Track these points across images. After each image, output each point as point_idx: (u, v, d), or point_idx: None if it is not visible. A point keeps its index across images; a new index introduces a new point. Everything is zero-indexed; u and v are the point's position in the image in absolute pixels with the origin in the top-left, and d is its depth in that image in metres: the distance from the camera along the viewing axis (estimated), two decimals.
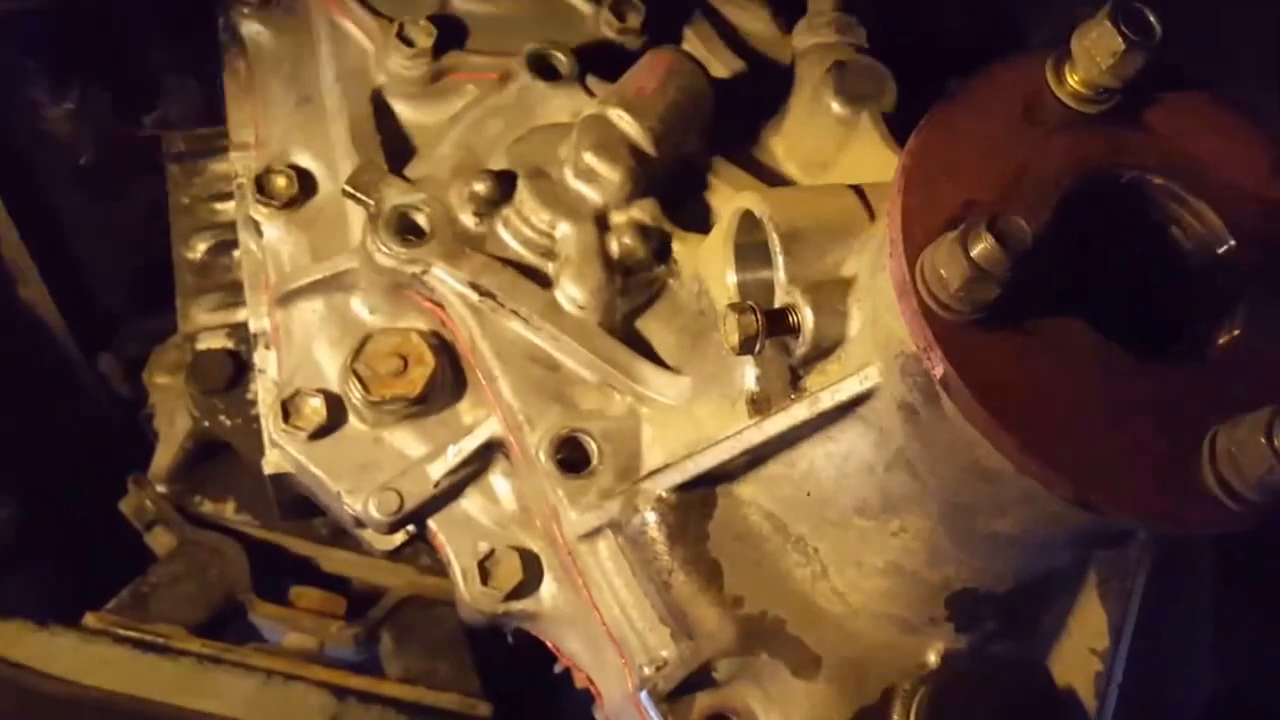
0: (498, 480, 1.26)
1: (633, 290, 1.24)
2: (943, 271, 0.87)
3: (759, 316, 1.04)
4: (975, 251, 0.85)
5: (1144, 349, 0.94)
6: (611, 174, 1.22)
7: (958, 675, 1.11)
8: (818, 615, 1.13)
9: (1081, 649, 1.15)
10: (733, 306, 1.05)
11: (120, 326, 1.89)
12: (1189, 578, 1.23)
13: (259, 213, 1.32)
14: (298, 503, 1.38)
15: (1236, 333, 0.96)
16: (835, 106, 1.34)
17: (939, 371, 0.90)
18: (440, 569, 1.59)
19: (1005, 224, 0.84)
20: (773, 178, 1.38)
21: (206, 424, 1.58)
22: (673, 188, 1.28)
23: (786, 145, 1.42)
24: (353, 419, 1.25)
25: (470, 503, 1.25)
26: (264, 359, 1.33)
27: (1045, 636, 1.16)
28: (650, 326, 1.26)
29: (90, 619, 1.51)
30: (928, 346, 0.90)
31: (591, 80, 1.39)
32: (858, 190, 1.10)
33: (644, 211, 1.24)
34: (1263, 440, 0.84)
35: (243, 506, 1.68)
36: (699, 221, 1.27)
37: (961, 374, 0.89)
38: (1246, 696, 1.30)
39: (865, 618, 1.13)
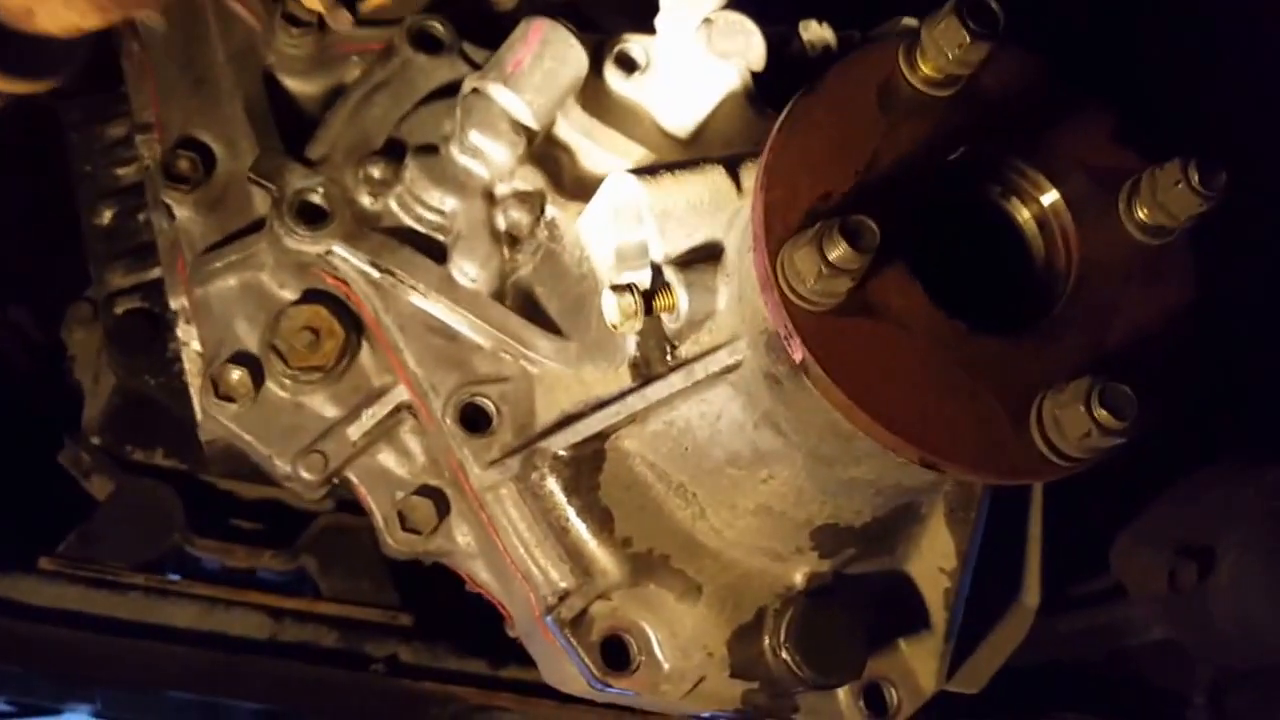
0: (408, 436, 1.26)
1: (521, 258, 1.23)
2: (800, 267, 0.88)
3: (637, 297, 1.03)
4: (829, 253, 0.85)
5: (988, 321, 0.96)
6: (495, 150, 1.20)
7: (822, 593, 1.15)
8: (698, 549, 1.16)
9: (932, 568, 1.20)
10: (613, 288, 1.04)
11: (30, 279, 1.81)
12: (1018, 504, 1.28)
13: (170, 197, 1.28)
14: (229, 458, 1.37)
15: (1066, 302, 0.98)
16: (703, 64, 1.29)
17: (798, 356, 0.91)
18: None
19: (856, 226, 0.85)
20: (650, 139, 1.35)
21: (130, 383, 1.53)
22: (553, 154, 1.25)
23: (660, 106, 1.39)
24: (274, 388, 1.24)
25: (386, 457, 1.26)
26: (187, 333, 1.32)
27: (900, 558, 1.20)
28: (537, 290, 1.25)
29: (44, 562, 1.49)
30: (788, 334, 0.91)
31: (470, 48, 1.34)
32: (726, 164, 1.10)
33: (527, 181, 1.22)
34: (1082, 408, 0.87)
35: (171, 452, 1.65)
36: (581, 187, 1.25)
37: (818, 358, 0.91)
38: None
39: (740, 550, 1.17)
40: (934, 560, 1.19)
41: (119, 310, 1.53)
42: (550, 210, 1.23)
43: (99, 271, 1.55)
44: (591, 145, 1.25)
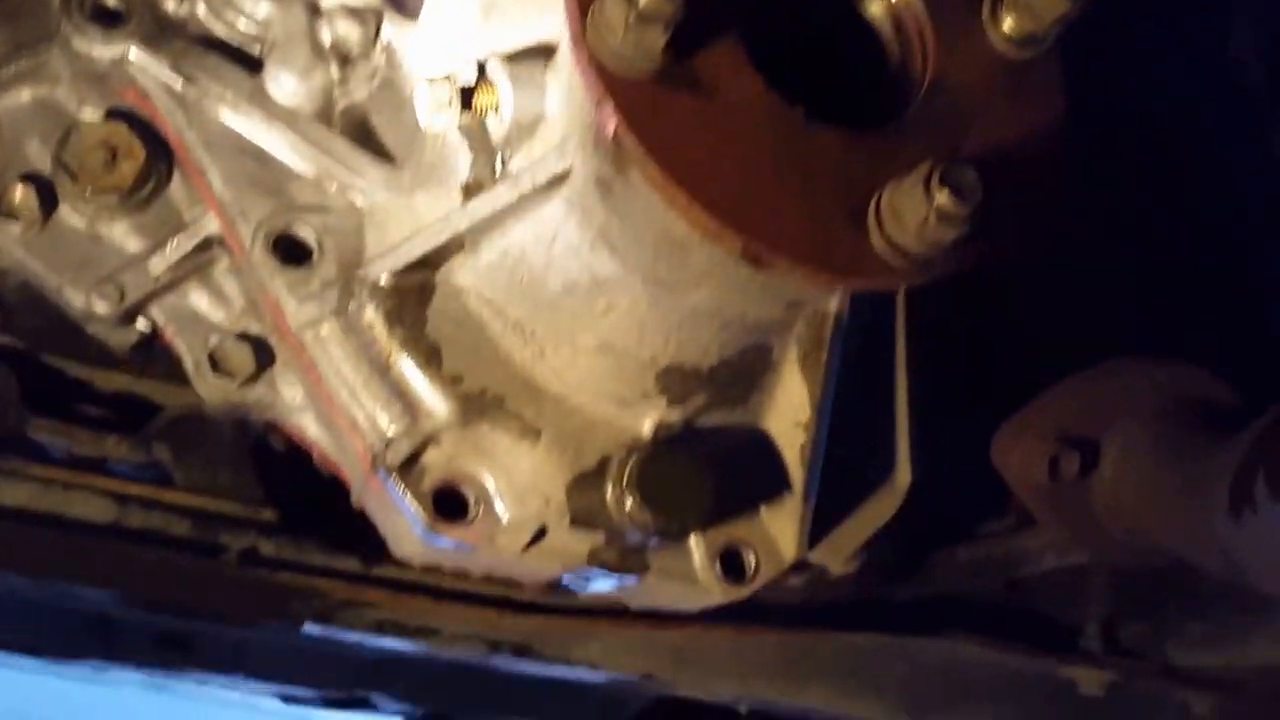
0: (224, 277, 1.14)
1: (352, 80, 1.10)
2: (609, 16, 0.77)
3: (453, 90, 0.92)
4: None
5: (834, 115, 0.86)
6: None
7: (669, 444, 1.05)
8: (538, 392, 1.06)
9: (787, 421, 1.11)
10: (427, 81, 0.93)
11: None
12: (885, 356, 1.18)
13: None
14: (34, 305, 1.24)
15: (918, 107, 0.89)
16: None
17: (610, 127, 0.80)
18: None
19: None
20: None
21: None
22: None
23: None
24: (69, 214, 1.11)
25: (198, 299, 1.13)
26: None
27: (754, 410, 1.10)
28: (374, 120, 1.13)
29: None
30: (600, 100, 0.80)
31: None
32: None
33: None
34: (920, 189, 0.77)
35: (4, 328, 1.51)
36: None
37: (634, 129, 0.80)
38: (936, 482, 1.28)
39: (583, 395, 1.06)
40: (789, 412, 1.09)
41: None
42: (388, 30, 1.11)
43: None
44: None
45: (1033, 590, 1.87)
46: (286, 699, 3.05)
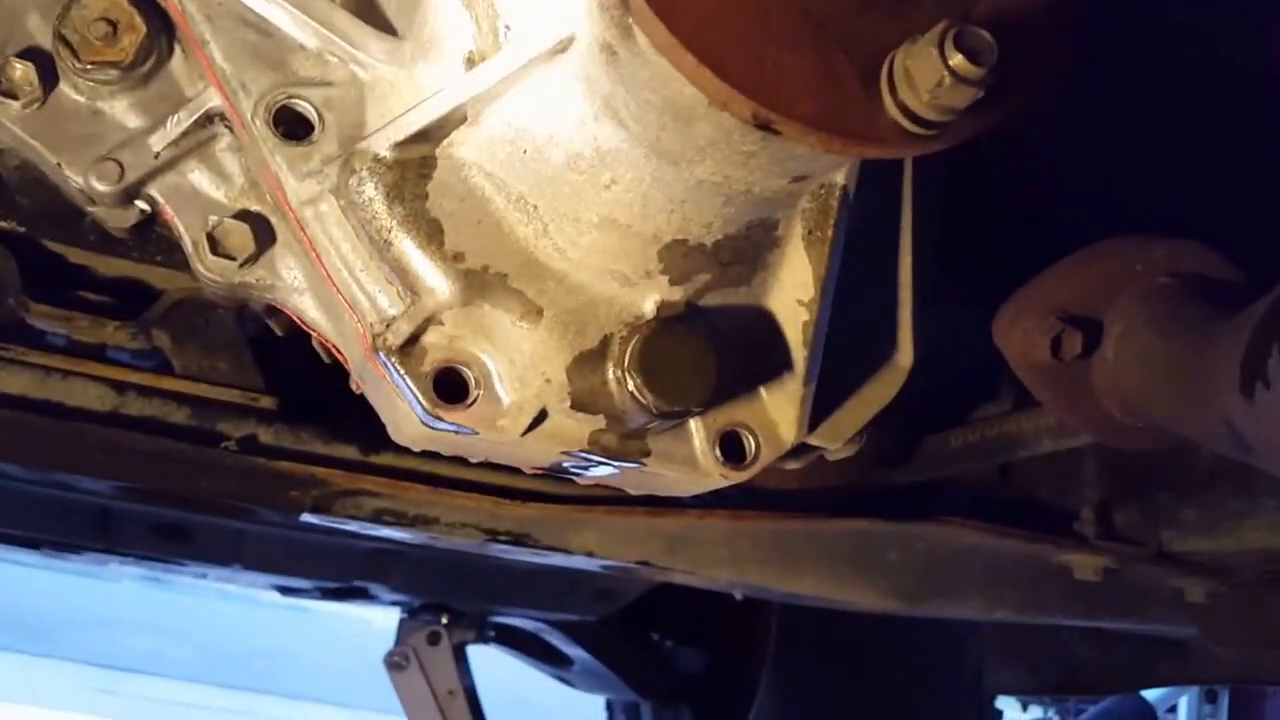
0: (225, 154, 1.11)
1: None
2: None
3: None
4: None
5: None
6: None
7: (671, 321, 1.04)
8: (540, 270, 1.04)
9: (790, 300, 1.09)
10: None
11: None
12: (889, 238, 1.16)
13: None
14: (33, 187, 1.22)
15: None
16: None
17: None
18: None
19: None
20: None
21: None
22: None
23: None
24: (68, 90, 1.08)
25: (199, 177, 1.11)
26: None
27: (757, 289, 1.09)
28: None
29: None
30: None
31: None
32: None
33: None
34: (934, 51, 0.75)
35: (6, 213, 1.48)
36: None
37: None
38: (935, 365, 1.26)
39: (586, 273, 1.04)
40: (793, 291, 1.07)
41: None
42: None
43: None
44: None
45: (1026, 475, 1.88)
46: (284, 590, 3.09)
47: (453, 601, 2.93)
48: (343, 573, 2.64)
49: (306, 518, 1.67)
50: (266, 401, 1.60)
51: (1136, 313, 1.18)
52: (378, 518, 1.68)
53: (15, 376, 1.48)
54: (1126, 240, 1.24)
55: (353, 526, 1.72)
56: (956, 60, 0.74)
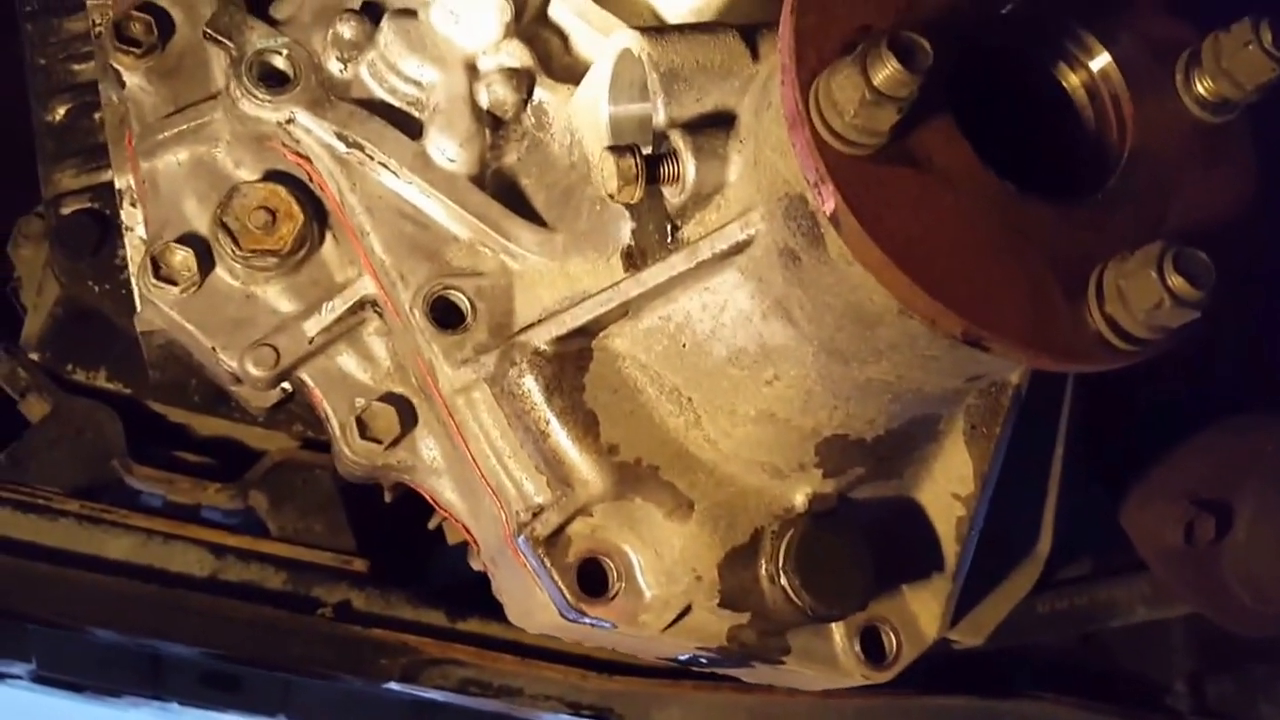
0: (372, 338, 1.10)
1: (503, 143, 1.07)
2: (838, 96, 0.73)
3: (638, 159, 0.88)
4: (875, 75, 0.70)
5: (1033, 188, 0.82)
6: (480, 17, 1.03)
7: (824, 517, 1.00)
8: (691, 462, 1.00)
9: (944, 494, 1.05)
10: (611, 149, 0.89)
11: None
12: (1043, 431, 1.13)
13: (120, 62, 1.11)
14: (169, 363, 1.19)
15: (1121, 170, 0.84)
16: None
17: (830, 206, 0.76)
18: (315, 435, 1.44)
19: (908, 42, 0.70)
20: (642, 21, 1.19)
21: (74, 291, 1.35)
22: (543, 35, 1.10)
23: None
24: (224, 274, 1.08)
25: (346, 360, 1.09)
26: (131, 216, 1.14)
27: (908, 481, 1.05)
28: (522, 182, 1.09)
29: None
30: (819, 179, 0.76)
31: None
32: (739, 29, 0.95)
33: (514, 57, 1.06)
34: (1152, 274, 0.73)
35: (115, 374, 1.46)
36: (571, 74, 1.09)
37: (853, 208, 0.75)
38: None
39: (737, 464, 1.01)
40: (947, 485, 1.04)
41: (66, 211, 1.35)
42: (539, 93, 1.08)
43: (47, 171, 1.36)
44: (585, 28, 1.09)
45: (1111, 645, 1.80)
46: None
47: None
48: None
49: (392, 686, 1.61)
50: (359, 564, 1.55)
51: (1268, 498, 1.14)
52: (464, 688, 1.61)
53: (118, 540, 1.43)
54: (1253, 418, 1.21)
55: (437, 696, 1.66)
56: (1177, 283, 0.72)
